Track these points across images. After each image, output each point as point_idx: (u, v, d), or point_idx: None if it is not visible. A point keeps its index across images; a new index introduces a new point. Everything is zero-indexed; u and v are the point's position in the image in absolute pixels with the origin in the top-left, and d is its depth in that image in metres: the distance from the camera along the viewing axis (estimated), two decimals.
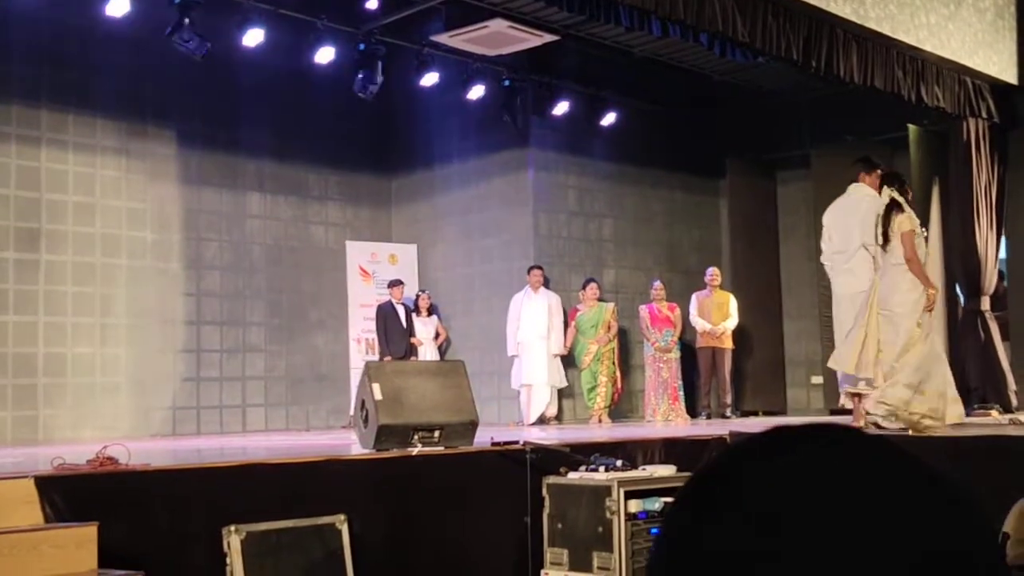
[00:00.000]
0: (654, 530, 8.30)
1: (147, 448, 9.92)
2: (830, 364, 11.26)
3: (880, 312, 10.36)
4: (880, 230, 10.40)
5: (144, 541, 6.62)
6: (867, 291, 10.75)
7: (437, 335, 16.63)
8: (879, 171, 11.35)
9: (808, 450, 1.01)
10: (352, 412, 10.21)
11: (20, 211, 13.80)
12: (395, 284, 16.28)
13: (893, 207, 10.42)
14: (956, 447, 9.43)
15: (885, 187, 10.59)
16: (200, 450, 11.08)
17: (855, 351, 10.47)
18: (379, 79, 14.70)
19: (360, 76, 14.68)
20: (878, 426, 9.98)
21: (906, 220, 10.36)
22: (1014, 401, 14.15)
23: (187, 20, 12.92)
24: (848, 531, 0.93)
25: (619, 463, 8.59)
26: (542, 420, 15.38)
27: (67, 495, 6.47)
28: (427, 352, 16.25)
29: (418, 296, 16.66)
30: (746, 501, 0.98)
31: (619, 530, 8.10)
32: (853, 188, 11.42)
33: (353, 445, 9.51)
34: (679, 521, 1.02)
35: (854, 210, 11.21)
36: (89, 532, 6.20)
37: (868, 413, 10.34)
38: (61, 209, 14.14)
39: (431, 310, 16.69)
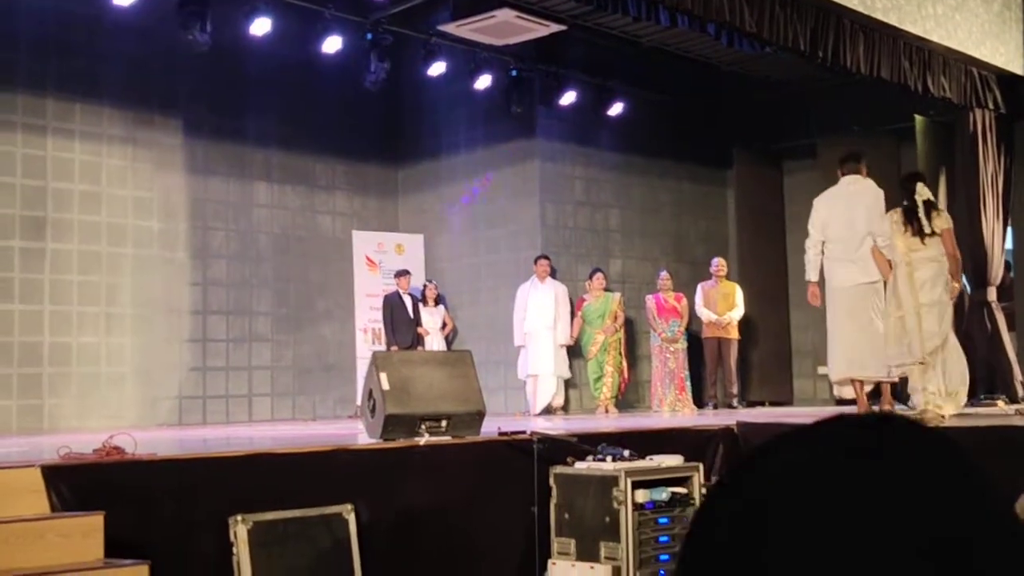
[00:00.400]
0: (663, 520, 8.32)
1: (153, 437, 9.92)
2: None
3: (923, 304, 10.46)
4: (919, 226, 10.49)
5: (150, 531, 6.61)
6: (872, 283, 10.89)
7: (444, 325, 16.63)
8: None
9: (807, 446, 1.01)
10: (359, 402, 10.22)
11: (26, 199, 13.79)
12: (402, 274, 16.27)
13: (932, 205, 10.60)
14: (962, 437, 9.42)
15: (921, 184, 10.72)
16: (206, 440, 11.08)
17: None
18: (386, 69, 14.70)
19: (367, 66, 14.67)
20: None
21: (946, 218, 10.53)
22: (1020, 391, 14.15)
23: (193, 10, 12.93)
24: (846, 517, 0.93)
25: (626, 453, 8.59)
26: (548, 410, 15.40)
27: (73, 484, 6.47)
28: (434, 342, 16.25)
29: (425, 286, 16.66)
30: (744, 495, 0.99)
31: (626, 520, 8.10)
32: (852, 180, 11.36)
33: (360, 435, 9.51)
34: (695, 518, 1.03)
35: (858, 201, 11.21)
36: (95, 521, 6.21)
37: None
38: (67, 198, 14.13)
39: (438, 300, 16.69)
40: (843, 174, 11.41)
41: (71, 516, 6.27)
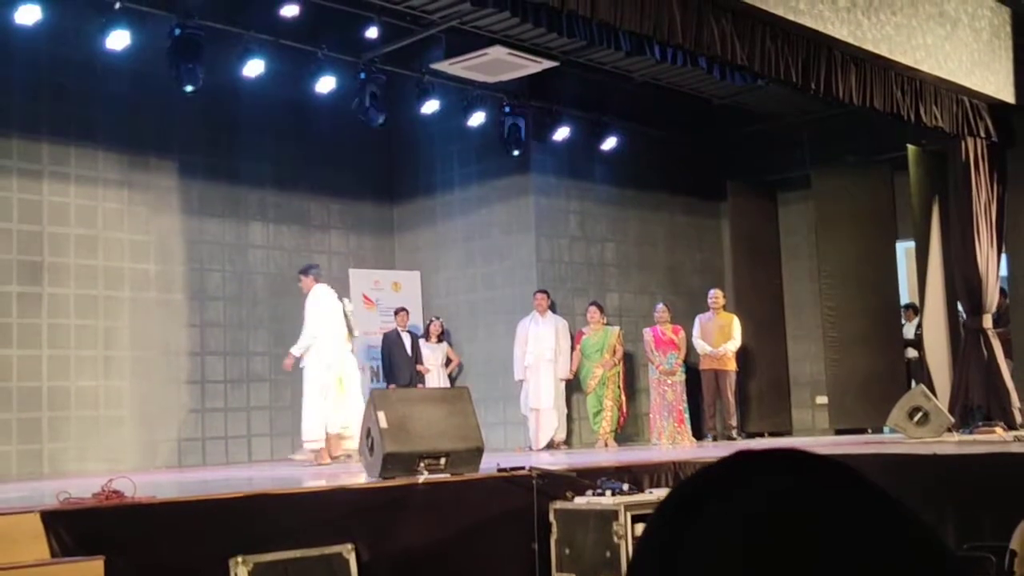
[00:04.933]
0: None
1: (153, 480, 9.91)
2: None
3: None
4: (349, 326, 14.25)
5: (151, 574, 6.61)
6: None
7: (449, 361, 16.61)
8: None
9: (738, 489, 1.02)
10: (358, 441, 10.20)
11: (22, 245, 13.82)
12: (400, 312, 16.30)
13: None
14: (961, 464, 9.44)
15: (347, 300, 14.42)
16: (206, 481, 11.05)
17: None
18: (380, 107, 14.73)
19: (361, 105, 14.70)
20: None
21: None
22: (1018, 418, 14.14)
23: (184, 56, 12.97)
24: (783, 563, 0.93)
25: (625, 487, 8.59)
26: (551, 444, 15.38)
27: (73, 529, 6.47)
28: (435, 379, 16.21)
29: (430, 322, 16.65)
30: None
31: (627, 554, 8.09)
32: (323, 286, 13.90)
33: (359, 473, 9.51)
34: (636, 562, 1.03)
35: (337, 300, 14.01)
36: (96, 566, 6.20)
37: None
38: (63, 242, 14.16)
39: (441, 336, 16.66)
40: (316, 281, 13.84)
41: (71, 561, 6.26)
